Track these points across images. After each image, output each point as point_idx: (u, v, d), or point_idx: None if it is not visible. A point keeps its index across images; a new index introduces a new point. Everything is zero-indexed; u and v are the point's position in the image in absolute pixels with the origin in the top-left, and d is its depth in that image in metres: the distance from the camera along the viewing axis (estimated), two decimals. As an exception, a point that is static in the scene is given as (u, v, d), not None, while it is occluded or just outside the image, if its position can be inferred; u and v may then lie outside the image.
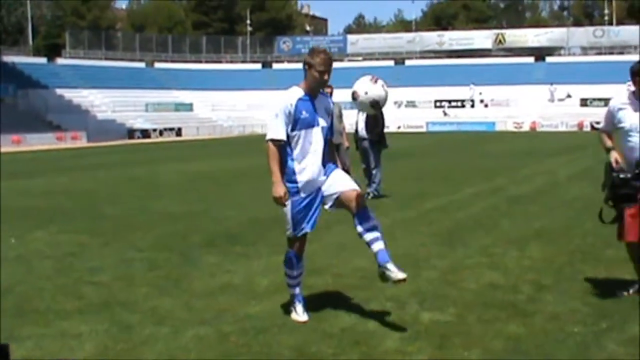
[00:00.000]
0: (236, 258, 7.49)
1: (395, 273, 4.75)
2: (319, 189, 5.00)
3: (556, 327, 4.81)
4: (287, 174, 5.00)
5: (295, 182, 4.98)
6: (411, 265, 6.87)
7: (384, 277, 4.81)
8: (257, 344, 4.63)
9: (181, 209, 11.72)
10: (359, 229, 4.84)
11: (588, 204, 10.61)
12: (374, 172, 12.72)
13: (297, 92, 5.00)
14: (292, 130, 4.96)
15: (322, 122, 5.00)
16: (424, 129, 63.83)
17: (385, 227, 9.41)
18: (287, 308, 5.29)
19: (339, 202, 4.92)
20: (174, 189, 15.53)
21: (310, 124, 4.95)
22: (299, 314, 5.12)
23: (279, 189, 4.93)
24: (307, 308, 5.17)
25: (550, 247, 7.66)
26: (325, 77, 4.92)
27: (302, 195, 4.97)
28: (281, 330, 4.88)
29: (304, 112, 4.93)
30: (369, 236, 4.82)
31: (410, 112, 67.55)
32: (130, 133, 56.25)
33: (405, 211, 10.79)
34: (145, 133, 57.25)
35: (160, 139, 55.51)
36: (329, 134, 5.09)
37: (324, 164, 5.02)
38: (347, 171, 5.18)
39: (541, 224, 9.27)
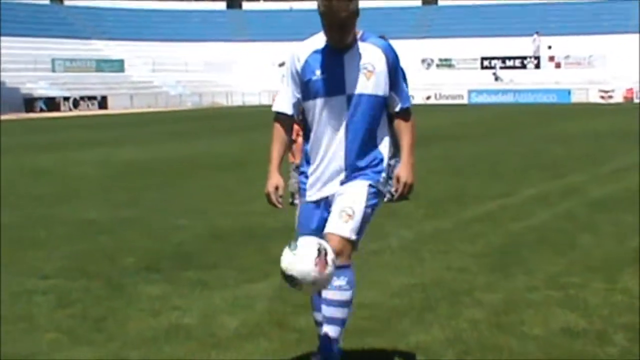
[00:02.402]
0: (190, 288, 7.47)
1: None
2: (327, 201, 4.93)
3: (662, 394, 4.81)
4: (301, 164, 5.08)
5: (305, 175, 5.02)
6: (447, 300, 6.89)
7: None
8: (219, 416, 4.62)
9: (106, 216, 11.71)
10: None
11: None
12: (391, 163, 12.74)
13: (314, 42, 4.93)
14: (305, 98, 4.93)
15: (354, 88, 4.85)
16: (464, 100, 64.02)
17: (409, 243, 9.54)
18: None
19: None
20: (95, 186, 15.49)
21: (330, 91, 4.85)
22: None
23: (270, 182, 4.97)
24: None
25: (653, 275, 7.67)
26: (333, 33, 4.72)
27: (310, 199, 4.97)
28: (255, 396, 4.88)
29: (317, 72, 4.84)
30: (324, 309, 4.91)
31: (445, 74, 67.75)
32: (29, 103, 56.19)
33: (437, 220, 10.81)
34: (51, 103, 57.20)
35: (74, 113, 55.47)
36: (378, 107, 4.91)
37: (365, 158, 4.92)
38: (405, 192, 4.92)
39: None
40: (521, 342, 5.79)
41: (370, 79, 4.85)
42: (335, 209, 4.83)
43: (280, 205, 4.98)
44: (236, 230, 10.48)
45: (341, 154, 4.88)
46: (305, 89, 4.88)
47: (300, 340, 5.87)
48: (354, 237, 4.81)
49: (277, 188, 4.94)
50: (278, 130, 5.01)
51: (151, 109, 58.60)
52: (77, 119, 46.35)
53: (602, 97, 61.22)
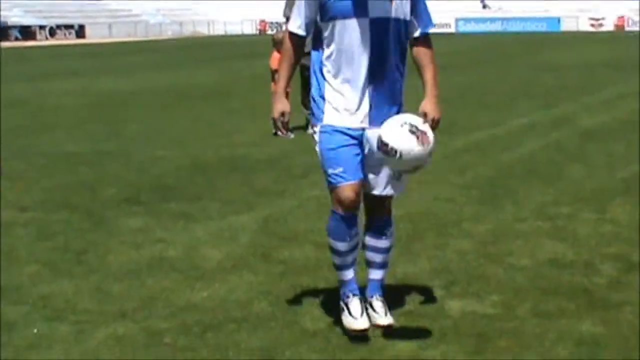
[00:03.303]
0: (172, 220, 7.50)
1: (380, 317, 4.80)
2: (362, 139, 4.67)
3: (652, 326, 4.86)
4: (314, 87, 4.82)
5: (322, 98, 4.75)
6: (434, 231, 6.94)
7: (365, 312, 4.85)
8: (203, 346, 4.65)
9: (86, 148, 11.70)
10: (367, 239, 4.98)
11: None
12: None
13: None
14: (322, 19, 4.70)
15: (379, 11, 4.59)
16: (452, 29, 63.68)
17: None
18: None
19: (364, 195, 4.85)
20: (73, 117, 15.46)
21: (351, 13, 4.59)
22: (355, 316, 4.75)
23: (277, 106, 4.81)
24: (365, 304, 4.91)
25: (643, 205, 7.73)
26: None
27: (334, 124, 4.69)
28: (241, 327, 4.91)
29: None
30: (372, 256, 4.98)
31: (432, 3, 66.35)
32: (3, 31, 55.52)
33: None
34: (26, 32, 56.58)
35: (51, 42, 54.92)
36: (402, 33, 4.67)
37: (387, 90, 4.69)
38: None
39: (630, 172, 9.33)
40: (508, 272, 5.84)
41: (393, 2, 4.62)
42: (387, 170, 4.73)
43: (286, 132, 4.94)
44: (219, 161, 10.47)
45: (364, 83, 4.64)
46: (324, 10, 4.65)
47: (285, 272, 5.92)
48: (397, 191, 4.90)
49: (283, 114, 4.82)
50: (288, 51, 4.84)
51: (130, 39, 58.05)
52: (54, 49, 45.90)
53: (593, 25, 61.03)
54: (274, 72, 12.87)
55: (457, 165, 9.87)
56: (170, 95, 19.17)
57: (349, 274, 4.88)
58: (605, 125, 12.95)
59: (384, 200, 4.86)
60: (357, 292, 4.88)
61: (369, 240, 4.96)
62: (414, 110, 4.68)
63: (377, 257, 4.95)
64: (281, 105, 4.81)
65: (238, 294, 5.49)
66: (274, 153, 10.92)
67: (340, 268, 4.89)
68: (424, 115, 4.65)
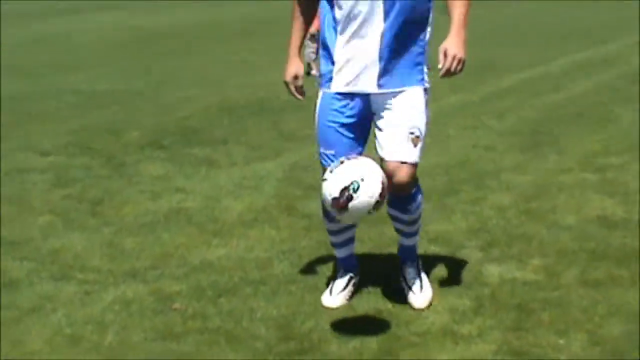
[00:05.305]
0: (194, 167, 7.26)
1: (413, 296, 4.43)
2: (369, 109, 4.25)
3: None
4: (322, 46, 4.36)
5: (329, 59, 4.30)
6: (471, 183, 6.56)
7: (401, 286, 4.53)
8: (216, 314, 4.32)
9: (114, 87, 11.55)
10: (389, 209, 4.48)
11: None
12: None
13: None
14: None
15: None
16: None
17: (432, 117, 9.01)
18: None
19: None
20: (104, 55, 15.35)
21: None
22: (332, 292, 4.50)
23: (288, 70, 4.39)
24: (355, 286, 4.57)
25: None
26: None
27: (338, 90, 4.27)
28: (258, 291, 4.58)
29: None
30: (397, 225, 4.56)
31: None
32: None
33: (459, 93, 10.38)
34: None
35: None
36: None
37: (403, 51, 4.18)
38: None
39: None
40: (552, 232, 5.42)
41: None
42: (399, 129, 4.21)
43: (300, 97, 4.42)
44: (248, 102, 10.27)
45: (377, 39, 4.13)
46: None
47: (310, 227, 5.57)
48: (419, 158, 4.30)
49: (296, 77, 4.38)
50: (298, 8, 4.41)
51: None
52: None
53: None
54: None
55: (496, 108, 9.49)
56: (203, 31, 19.15)
57: (340, 253, 4.62)
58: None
59: (398, 167, 4.25)
60: (346, 271, 4.58)
61: (391, 211, 4.48)
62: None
63: (402, 227, 4.54)
64: (293, 67, 4.37)
65: (257, 252, 5.18)
66: (307, 94, 10.58)
67: (332, 245, 4.66)
68: (444, 54, 4.04)
